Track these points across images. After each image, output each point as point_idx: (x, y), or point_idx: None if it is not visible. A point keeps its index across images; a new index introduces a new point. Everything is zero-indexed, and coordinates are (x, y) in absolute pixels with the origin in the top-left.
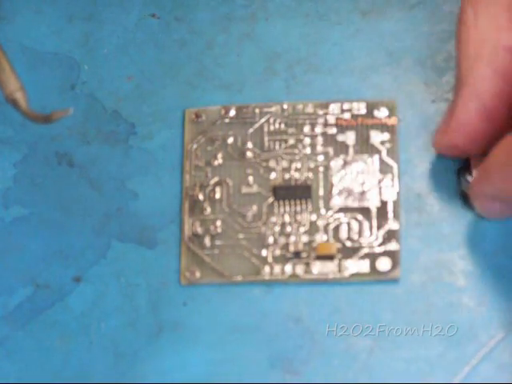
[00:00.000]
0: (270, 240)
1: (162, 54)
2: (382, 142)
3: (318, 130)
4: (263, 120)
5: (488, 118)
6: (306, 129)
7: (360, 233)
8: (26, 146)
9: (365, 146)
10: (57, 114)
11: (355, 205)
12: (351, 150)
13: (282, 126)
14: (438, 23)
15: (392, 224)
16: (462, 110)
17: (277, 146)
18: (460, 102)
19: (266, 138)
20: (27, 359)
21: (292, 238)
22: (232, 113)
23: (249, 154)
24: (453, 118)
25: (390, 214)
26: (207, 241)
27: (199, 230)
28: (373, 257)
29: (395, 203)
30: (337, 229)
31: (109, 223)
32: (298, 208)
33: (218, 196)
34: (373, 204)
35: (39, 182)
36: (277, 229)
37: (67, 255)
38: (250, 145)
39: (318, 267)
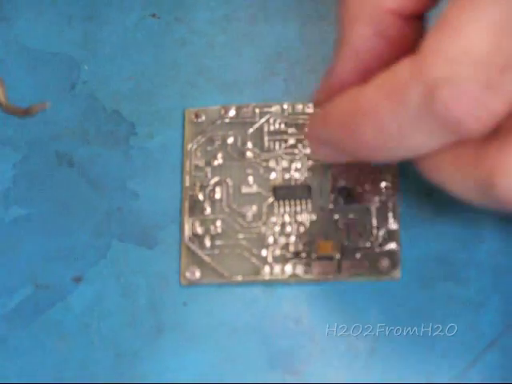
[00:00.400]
0: (270, 240)
1: (162, 53)
2: None
3: None
4: (263, 120)
5: (365, 79)
6: (306, 129)
7: (360, 233)
8: (26, 146)
9: None
10: (36, 108)
11: (355, 205)
12: None
13: (282, 126)
14: None
15: (392, 224)
16: (341, 69)
17: (277, 146)
18: (340, 62)
19: (265, 138)
20: (27, 359)
21: (292, 238)
22: (232, 113)
23: (249, 154)
24: (332, 76)
25: (390, 214)
26: (207, 241)
27: (199, 230)
28: (373, 257)
29: (395, 203)
30: (337, 229)
31: (109, 223)
32: (298, 208)
33: (218, 196)
34: (373, 204)
35: (39, 182)
36: (277, 229)
37: (67, 255)
38: (249, 145)
39: (317, 267)
